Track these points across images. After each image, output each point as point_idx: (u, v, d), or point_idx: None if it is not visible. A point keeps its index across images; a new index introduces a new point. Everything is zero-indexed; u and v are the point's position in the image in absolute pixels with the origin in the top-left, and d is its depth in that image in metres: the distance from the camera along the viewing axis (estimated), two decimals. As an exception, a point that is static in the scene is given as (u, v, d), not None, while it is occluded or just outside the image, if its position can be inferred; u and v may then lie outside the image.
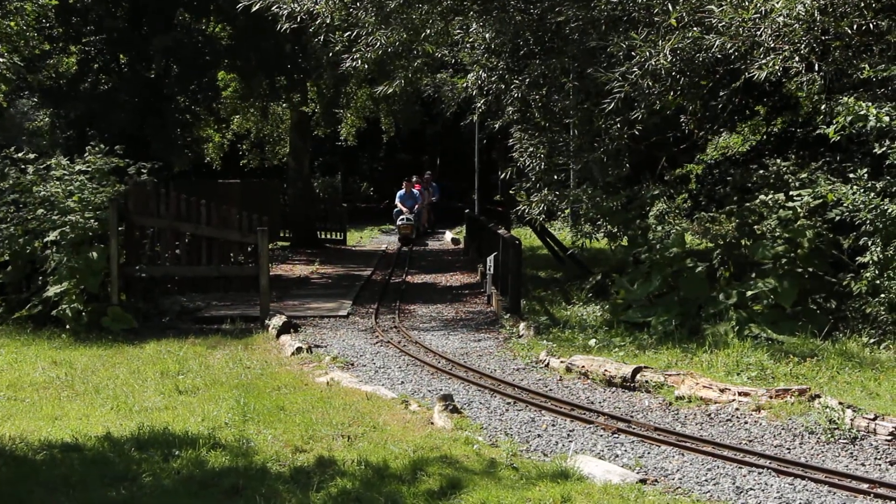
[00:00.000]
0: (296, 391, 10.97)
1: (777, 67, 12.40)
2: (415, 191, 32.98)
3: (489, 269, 18.20)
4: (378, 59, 15.80)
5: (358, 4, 15.54)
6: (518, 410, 10.44)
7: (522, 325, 14.90)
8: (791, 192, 14.07)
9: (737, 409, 9.99)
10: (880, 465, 8.33)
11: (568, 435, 9.46)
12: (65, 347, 13.82)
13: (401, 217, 31.23)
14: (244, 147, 36.59)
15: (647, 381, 11.10)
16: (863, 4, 12.33)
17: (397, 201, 32.55)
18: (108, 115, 22.41)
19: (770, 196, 14.38)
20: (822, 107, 13.77)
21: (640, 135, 16.76)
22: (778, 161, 15.57)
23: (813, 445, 8.89)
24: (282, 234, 31.06)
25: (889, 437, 8.75)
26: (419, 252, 29.88)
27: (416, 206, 32.58)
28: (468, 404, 10.61)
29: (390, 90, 16.88)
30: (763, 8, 12.33)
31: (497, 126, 17.79)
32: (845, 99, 12.27)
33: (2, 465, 8.03)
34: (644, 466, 8.37)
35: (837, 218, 12.88)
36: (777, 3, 12.17)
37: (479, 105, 17.49)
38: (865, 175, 12.80)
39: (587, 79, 14.65)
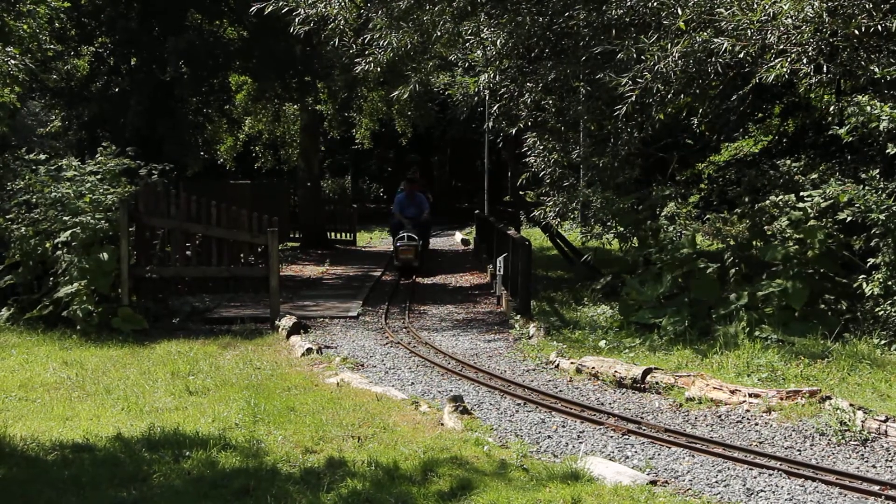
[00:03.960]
0: (306, 392, 10.99)
1: (785, 70, 12.38)
2: (420, 195, 25.49)
3: (499, 270, 18.20)
4: (390, 62, 15.81)
5: (369, 6, 15.57)
6: (528, 411, 10.43)
7: (532, 326, 14.90)
8: (802, 193, 14.04)
9: (747, 410, 9.98)
10: (891, 467, 8.30)
11: (578, 436, 9.45)
12: (75, 348, 13.86)
13: (399, 235, 23.46)
14: (257, 149, 36.73)
15: (657, 383, 11.08)
16: (871, 5, 12.29)
17: (395, 209, 25.16)
18: (120, 116, 22.50)
19: (781, 197, 14.34)
20: (832, 108, 13.74)
21: (652, 137, 16.76)
22: (789, 162, 15.54)
23: (824, 447, 8.87)
24: (292, 235, 31.15)
25: (900, 439, 8.74)
26: (428, 254, 27.06)
27: (424, 216, 24.92)
28: (478, 405, 10.61)
29: (405, 95, 16.88)
30: (771, 10, 12.31)
31: (513, 132, 17.80)
32: (858, 98, 12.23)
33: (13, 466, 8.06)
34: (654, 468, 8.37)
35: (849, 219, 12.85)
36: (785, 5, 12.15)
37: (493, 110, 17.49)
38: (877, 175, 12.77)
39: (597, 83, 14.65)
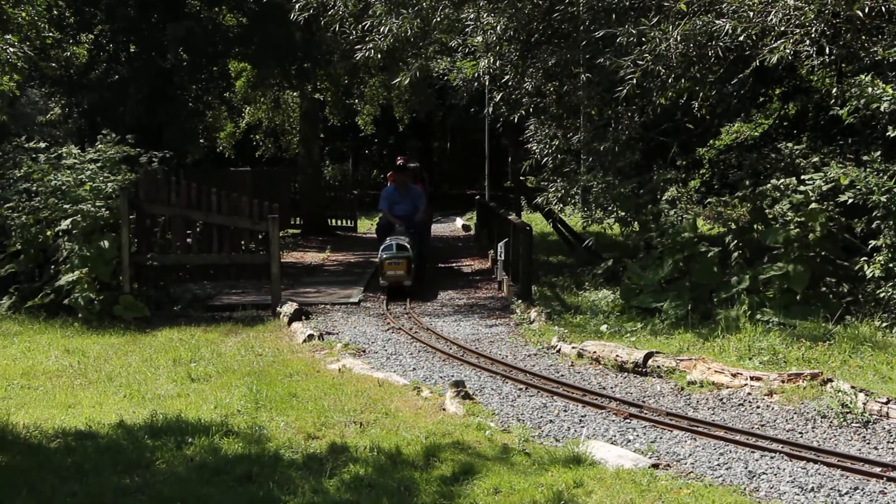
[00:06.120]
0: (308, 378, 10.99)
1: (788, 51, 12.35)
2: (415, 187, 20.52)
3: (500, 255, 18.18)
4: (390, 48, 15.78)
5: (369, -10, 15.55)
6: (530, 396, 10.44)
7: (534, 310, 14.90)
8: (803, 176, 14.03)
9: (749, 393, 9.98)
10: (893, 448, 8.31)
11: (580, 420, 9.46)
12: (77, 336, 13.87)
13: (387, 243, 17.68)
14: (257, 136, 36.74)
15: (658, 367, 11.09)
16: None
17: (382, 205, 19.94)
18: (120, 104, 22.48)
19: (782, 180, 14.34)
20: (834, 90, 13.71)
21: (652, 122, 16.73)
22: (790, 145, 15.52)
23: (825, 429, 8.87)
24: (292, 222, 31.13)
25: (902, 421, 8.74)
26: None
27: (419, 214, 19.89)
28: (480, 390, 10.62)
29: (406, 81, 16.84)
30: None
31: (515, 119, 17.77)
32: (860, 78, 12.21)
33: (16, 453, 8.06)
34: (656, 451, 8.37)
35: (850, 201, 12.83)
36: (787, -15, 12.14)
37: (494, 96, 17.45)
38: (879, 157, 12.74)
39: (598, 68, 14.62)
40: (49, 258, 15.59)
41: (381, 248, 17.69)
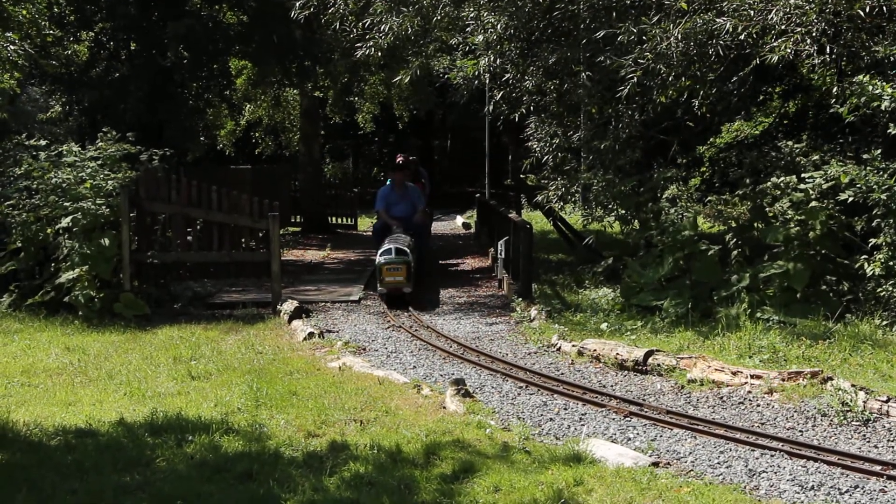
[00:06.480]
0: (308, 376, 11.00)
1: (788, 50, 12.35)
2: (413, 186, 19.57)
3: (500, 254, 18.17)
4: (391, 46, 15.78)
5: (369, -12, 15.56)
6: (530, 394, 10.44)
7: (534, 309, 14.89)
8: (803, 175, 14.03)
9: (749, 391, 9.99)
10: (893, 447, 8.31)
11: (580, 419, 9.46)
12: (77, 333, 13.87)
13: (384, 247, 16.66)
14: (257, 134, 36.73)
15: (659, 365, 11.09)
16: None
17: (378, 206, 18.91)
18: (121, 101, 22.47)
19: (782, 178, 14.33)
20: (834, 89, 13.71)
21: (653, 120, 16.73)
22: (790, 143, 15.52)
23: (825, 428, 8.88)
24: (293, 220, 31.07)
25: (902, 420, 8.74)
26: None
27: (417, 215, 19.05)
28: (480, 388, 10.62)
29: (406, 79, 16.83)
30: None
31: (516, 117, 17.77)
32: (859, 77, 12.21)
33: (16, 451, 8.07)
34: (656, 449, 8.38)
35: (850, 199, 12.83)
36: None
37: (494, 94, 17.44)
38: (879, 156, 12.75)
39: (598, 66, 14.63)
40: (49, 256, 15.59)
41: (379, 252, 16.66)
